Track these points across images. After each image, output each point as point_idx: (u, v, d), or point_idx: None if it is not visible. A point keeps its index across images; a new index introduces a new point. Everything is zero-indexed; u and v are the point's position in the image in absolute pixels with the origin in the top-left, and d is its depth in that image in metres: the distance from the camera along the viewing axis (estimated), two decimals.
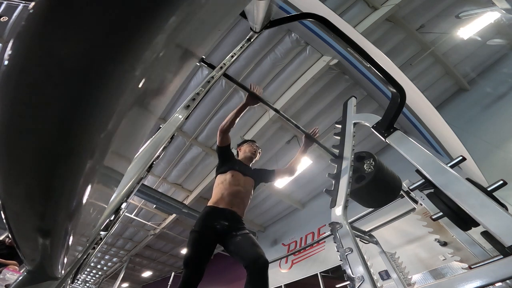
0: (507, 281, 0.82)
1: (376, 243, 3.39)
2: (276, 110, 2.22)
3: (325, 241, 5.87)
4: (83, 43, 0.21)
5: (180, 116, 1.37)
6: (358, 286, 1.09)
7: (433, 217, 1.40)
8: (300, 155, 2.34)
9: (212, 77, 1.67)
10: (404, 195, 2.78)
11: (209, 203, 1.87)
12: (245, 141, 2.46)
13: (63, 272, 0.54)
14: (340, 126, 2.13)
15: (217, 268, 9.47)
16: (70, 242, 0.43)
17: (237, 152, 2.41)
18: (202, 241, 1.63)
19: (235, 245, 1.65)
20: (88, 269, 13.69)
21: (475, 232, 1.73)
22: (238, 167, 2.09)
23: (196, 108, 1.62)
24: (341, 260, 1.26)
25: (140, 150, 1.07)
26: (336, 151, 1.99)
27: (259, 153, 2.40)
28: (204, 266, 1.54)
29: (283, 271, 6.57)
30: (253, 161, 2.32)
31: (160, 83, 0.37)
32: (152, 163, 1.13)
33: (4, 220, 0.34)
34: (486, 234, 1.19)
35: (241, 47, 1.92)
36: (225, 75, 1.84)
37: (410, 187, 1.59)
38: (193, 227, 1.72)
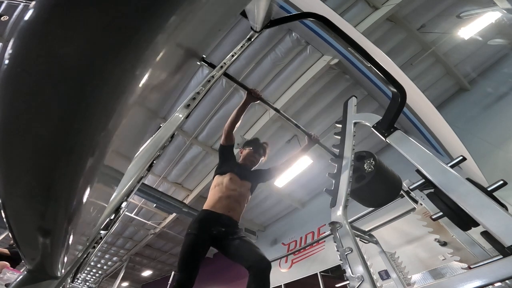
0: (507, 281, 0.82)
1: (376, 243, 3.40)
2: (276, 110, 2.22)
3: (325, 241, 5.88)
4: (83, 42, 0.21)
5: (181, 115, 1.37)
6: (358, 286, 1.09)
7: (433, 217, 1.40)
8: (299, 153, 2.34)
9: (213, 76, 1.67)
10: (404, 195, 2.78)
11: (206, 207, 1.84)
12: (249, 144, 2.33)
13: (63, 271, 0.55)
14: (340, 125, 2.13)
15: (217, 268, 9.48)
16: (70, 241, 0.43)
17: (240, 153, 2.35)
18: (198, 245, 1.62)
19: (235, 248, 1.65)
20: (88, 268, 13.71)
21: (475, 232, 1.73)
22: (237, 170, 2.06)
23: (196, 107, 1.62)
24: (341, 260, 1.26)
25: (141, 150, 1.07)
26: (336, 150, 1.99)
27: (263, 158, 2.32)
28: (198, 269, 1.54)
29: (283, 271, 6.57)
30: (254, 167, 2.27)
31: (161, 82, 0.37)
32: (152, 162, 1.13)
33: (5, 219, 0.34)
34: (486, 234, 1.19)
35: (241, 46, 1.92)
36: (225, 74, 1.84)
37: (410, 187, 1.59)
38: (188, 229, 1.70)
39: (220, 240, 1.69)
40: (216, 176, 2.04)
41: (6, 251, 3.22)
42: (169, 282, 7.56)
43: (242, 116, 2.04)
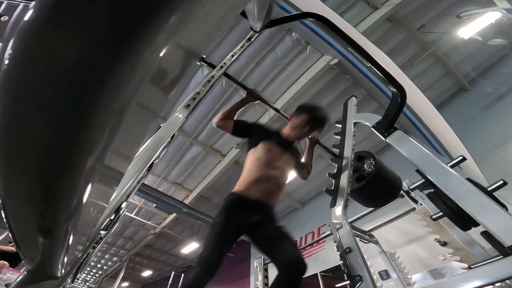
0: (507, 281, 0.82)
1: (376, 242, 3.40)
2: (276, 110, 2.22)
3: (325, 241, 5.84)
4: (83, 42, 0.21)
5: (181, 116, 1.37)
6: (358, 286, 1.09)
7: (433, 217, 1.40)
8: (307, 157, 2.03)
9: (213, 77, 1.67)
10: (404, 195, 2.78)
11: (238, 189, 1.51)
12: (305, 110, 1.75)
13: (63, 271, 0.54)
14: (340, 125, 2.13)
15: None
16: (70, 242, 0.43)
17: (288, 119, 1.88)
18: (225, 237, 1.39)
19: (271, 241, 1.39)
20: (88, 269, 13.70)
21: (475, 232, 1.73)
22: (276, 138, 1.66)
23: (196, 108, 1.62)
24: (341, 260, 1.26)
25: (141, 150, 1.07)
26: (336, 150, 1.99)
27: (316, 133, 1.81)
28: (221, 264, 1.33)
29: None
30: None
31: (161, 82, 0.37)
32: (152, 162, 1.13)
33: (5, 220, 0.34)
34: (486, 234, 1.19)
35: (241, 46, 1.92)
36: (225, 74, 1.84)
37: (410, 187, 1.59)
38: (216, 217, 1.44)
39: (252, 230, 1.43)
40: (250, 151, 1.65)
41: (12, 249, 3.17)
42: (169, 282, 7.56)
43: (237, 113, 1.75)
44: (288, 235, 1.43)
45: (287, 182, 1.68)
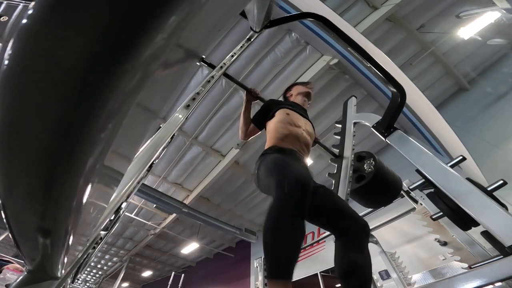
0: (508, 280, 0.82)
1: (376, 242, 3.40)
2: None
3: (325, 241, 5.86)
4: (83, 42, 0.21)
5: (181, 116, 1.37)
6: None
7: (433, 216, 1.41)
8: None
9: (212, 77, 1.67)
10: (404, 194, 2.78)
11: (270, 144, 1.46)
12: (296, 84, 1.98)
13: (63, 271, 0.54)
14: (340, 125, 2.13)
15: (217, 268, 9.46)
16: (70, 242, 0.43)
17: (285, 98, 1.99)
18: (289, 160, 1.22)
19: (330, 199, 1.27)
20: (88, 269, 13.69)
21: (475, 232, 1.73)
22: (292, 106, 1.70)
23: (196, 108, 1.62)
24: None
25: (140, 150, 1.07)
26: (336, 150, 1.99)
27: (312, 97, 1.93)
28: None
29: None
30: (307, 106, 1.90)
31: (161, 82, 0.37)
32: (152, 162, 1.13)
33: (5, 220, 0.34)
34: (486, 234, 1.20)
35: (241, 46, 1.92)
36: (225, 74, 1.84)
37: (410, 187, 1.59)
38: (265, 152, 1.36)
39: None
40: (268, 123, 1.66)
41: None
42: (169, 282, 7.57)
43: (249, 115, 1.87)
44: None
45: (311, 147, 1.63)
